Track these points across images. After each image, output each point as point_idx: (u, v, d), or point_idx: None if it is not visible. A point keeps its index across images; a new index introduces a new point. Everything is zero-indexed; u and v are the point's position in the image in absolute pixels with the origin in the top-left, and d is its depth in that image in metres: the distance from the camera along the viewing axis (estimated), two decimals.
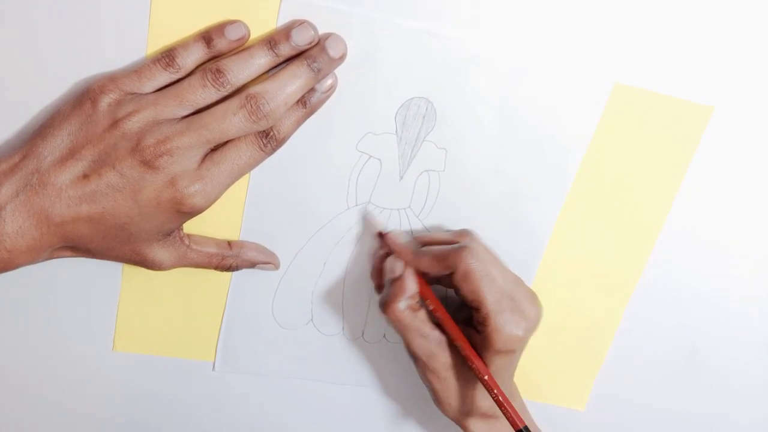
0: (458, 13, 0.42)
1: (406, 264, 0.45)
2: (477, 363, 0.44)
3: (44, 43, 0.39)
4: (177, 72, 0.39)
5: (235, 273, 0.47)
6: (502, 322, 0.43)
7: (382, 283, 0.48)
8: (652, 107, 0.46)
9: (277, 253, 0.47)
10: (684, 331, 0.55)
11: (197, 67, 0.39)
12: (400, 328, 0.45)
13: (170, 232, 0.41)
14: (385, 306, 0.45)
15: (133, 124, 0.37)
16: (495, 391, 0.44)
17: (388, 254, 0.46)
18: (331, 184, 0.45)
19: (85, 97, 0.38)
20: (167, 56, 0.38)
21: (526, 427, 0.43)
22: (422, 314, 0.45)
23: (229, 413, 0.53)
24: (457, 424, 0.48)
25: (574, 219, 0.49)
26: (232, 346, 0.50)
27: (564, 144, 0.47)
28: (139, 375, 0.50)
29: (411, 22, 0.42)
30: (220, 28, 0.39)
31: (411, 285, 0.45)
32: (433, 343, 0.45)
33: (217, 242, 0.45)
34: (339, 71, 0.42)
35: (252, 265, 0.46)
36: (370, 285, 0.49)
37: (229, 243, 0.45)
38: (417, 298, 0.45)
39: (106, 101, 0.38)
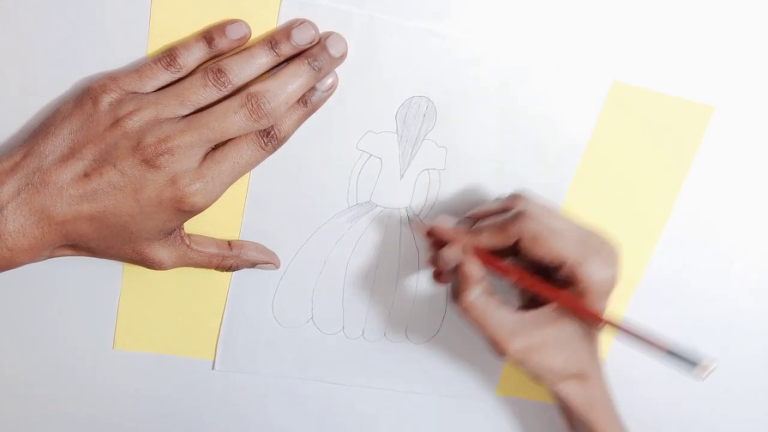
0: (458, 12, 0.42)
1: (464, 247, 0.43)
2: (589, 314, 0.41)
3: (45, 43, 0.39)
4: (178, 71, 0.39)
5: (235, 272, 0.47)
6: (591, 269, 0.41)
7: (441, 278, 0.46)
8: (651, 106, 0.46)
9: (277, 252, 0.47)
10: (684, 331, 0.55)
11: (198, 67, 0.39)
12: (473, 319, 0.42)
13: (171, 231, 0.41)
14: (454, 300, 0.43)
15: (134, 123, 0.37)
16: (621, 329, 0.41)
17: (438, 248, 0.44)
18: (332, 183, 0.45)
19: (86, 96, 0.38)
20: (168, 56, 0.39)
21: (673, 349, 0.40)
22: (495, 300, 0.43)
23: (229, 411, 0.53)
24: (552, 391, 0.45)
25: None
26: (231, 344, 0.50)
27: (563, 143, 0.47)
28: (139, 373, 0.50)
29: (411, 21, 0.42)
30: (221, 27, 0.39)
31: (474, 270, 0.42)
32: (512, 329, 0.42)
33: (218, 242, 0.45)
34: (339, 70, 0.42)
35: (252, 264, 0.46)
36: (371, 283, 0.49)
37: (230, 243, 0.45)
38: (486, 282, 0.43)
39: (107, 100, 0.38)
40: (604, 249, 0.42)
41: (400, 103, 0.44)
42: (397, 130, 0.45)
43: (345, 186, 0.46)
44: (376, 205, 0.47)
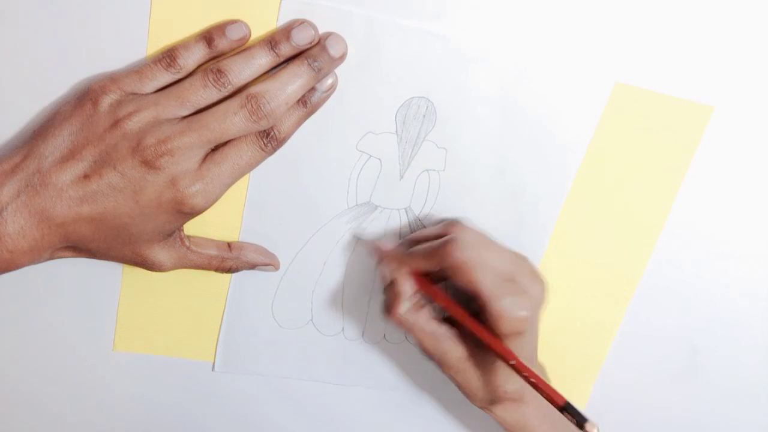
0: (458, 12, 0.42)
1: (397, 267, 0.45)
2: (501, 349, 0.42)
3: (45, 43, 0.39)
4: (178, 72, 0.39)
5: (235, 273, 0.47)
6: (503, 307, 0.42)
7: None
8: (652, 107, 0.46)
9: (277, 253, 0.47)
10: (684, 331, 0.55)
11: (198, 67, 0.39)
12: (406, 330, 0.45)
13: (171, 233, 0.41)
14: (386, 313, 0.45)
15: (134, 124, 0.37)
16: (525, 373, 0.42)
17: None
18: (331, 184, 0.45)
19: (85, 97, 0.38)
20: (168, 56, 0.39)
21: (567, 403, 0.41)
22: (426, 312, 0.45)
23: (229, 413, 0.53)
24: (485, 411, 0.47)
25: (575, 219, 0.49)
26: (231, 346, 0.50)
27: (564, 143, 0.47)
28: (139, 375, 0.50)
29: (411, 22, 0.42)
30: (221, 28, 0.39)
31: (406, 287, 0.44)
32: (442, 339, 0.45)
33: (217, 244, 0.45)
34: (339, 71, 0.42)
35: (252, 266, 0.46)
36: (370, 285, 0.49)
37: (229, 245, 0.45)
38: (417, 298, 0.45)
39: (107, 101, 0.38)
40: (525, 290, 0.43)
41: (399, 104, 0.44)
42: (396, 131, 0.45)
43: (345, 187, 0.46)
44: (376, 206, 0.47)
